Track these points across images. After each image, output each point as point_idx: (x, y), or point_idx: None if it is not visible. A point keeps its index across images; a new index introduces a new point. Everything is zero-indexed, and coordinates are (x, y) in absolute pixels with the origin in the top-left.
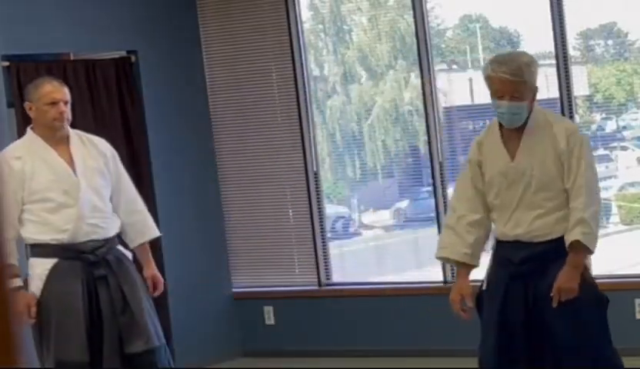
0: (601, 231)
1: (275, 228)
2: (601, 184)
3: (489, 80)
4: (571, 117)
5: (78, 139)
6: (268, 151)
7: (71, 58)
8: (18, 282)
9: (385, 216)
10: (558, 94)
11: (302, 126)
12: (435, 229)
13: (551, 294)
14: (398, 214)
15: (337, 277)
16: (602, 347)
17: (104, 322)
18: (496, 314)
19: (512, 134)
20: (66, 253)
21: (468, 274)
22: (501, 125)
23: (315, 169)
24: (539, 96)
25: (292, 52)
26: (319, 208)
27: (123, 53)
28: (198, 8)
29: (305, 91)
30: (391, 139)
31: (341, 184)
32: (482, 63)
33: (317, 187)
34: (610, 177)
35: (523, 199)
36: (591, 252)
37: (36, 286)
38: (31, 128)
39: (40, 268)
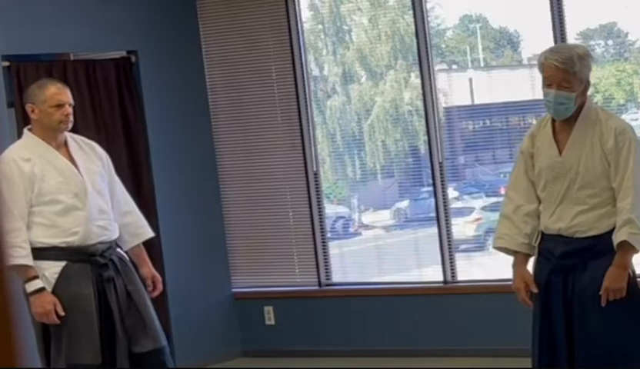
0: None
1: (275, 228)
2: None
3: (542, 67)
4: None
5: (75, 143)
6: (268, 151)
7: (71, 58)
8: (39, 284)
9: (385, 216)
10: None
11: (302, 126)
12: (435, 229)
13: (600, 293)
14: (398, 214)
15: (337, 277)
16: (634, 355)
17: (115, 323)
18: (538, 305)
19: (564, 128)
20: (75, 255)
21: (526, 262)
22: (554, 119)
23: (314, 169)
24: (540, 95)
25: (292, 52)
26: (319, 208)
27: (123, 53)
28: (198, 8)
29: (304, 91)
30: (391, 139)
31: (341, 184)
32: (482, 63)
33: (317, 187)
34: None
35: (567, 194)
36: (637, 251)
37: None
38: (29, 130)
39: (49, 271)
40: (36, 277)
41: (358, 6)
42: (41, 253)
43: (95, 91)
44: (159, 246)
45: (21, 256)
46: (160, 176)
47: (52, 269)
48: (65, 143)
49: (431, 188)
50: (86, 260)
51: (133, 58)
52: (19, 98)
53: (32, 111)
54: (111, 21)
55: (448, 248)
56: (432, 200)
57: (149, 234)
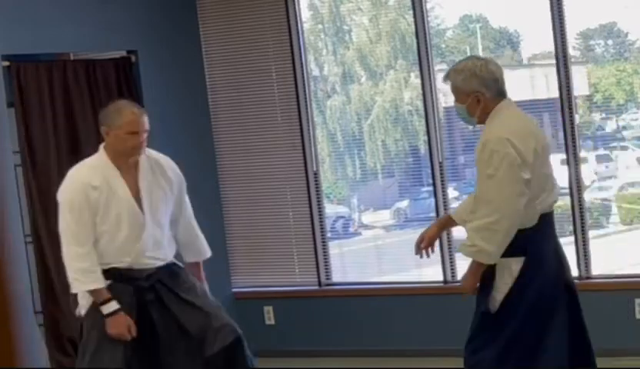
0: (600, 231)
1: (275, 228)
2: (601, 184)
3: None
4: (571, 117)
5: (148, 165)
6: (268, 151)
7: (71, 58)
8: (114, 306)
9: (385, 216)
10: (558, 94)
11: (302, 126)
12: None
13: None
14: (398, 214)
15: (337, 277)
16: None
17: (161, 342)
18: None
19: None
20: (120, 277)
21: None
22: None
23: (315, 169)
24: (540, 95)
25: (292, 52)
26: (319, 208)
27: (123, 53)
28: (198, 8)
29: (304, 91)
30: (391, 139)
31: (341, 184)
32: None
33: (317, 187)
34: (610, 178)
35: None
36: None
37: (87, 302)
38: (104, 148)
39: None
40: (111, 299)
41: (359, 6)
42: None
43: (95, 91)
44: None
45: (92, 281)
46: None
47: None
48: (137, 165)
49: (431, 188)
50: (128, 282)
51: (133, 58)
52: (19, 98)
53: (107, 134)
54: (111, 21)
55: (448, 248)
56: (432, 200)
57: (207, 255)
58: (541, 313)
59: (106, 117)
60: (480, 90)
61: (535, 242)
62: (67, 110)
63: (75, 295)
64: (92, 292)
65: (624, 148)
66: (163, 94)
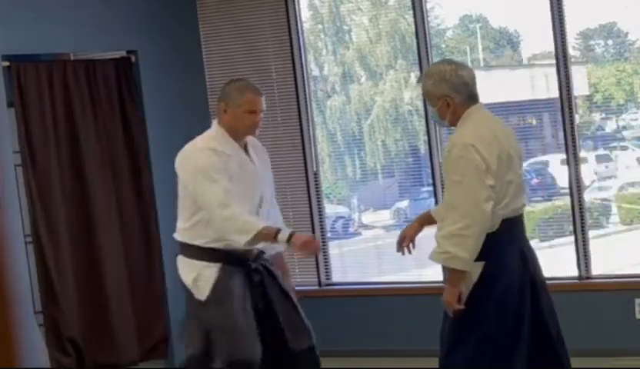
0: (600, 231)
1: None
2: (601, 184)
3: None
4: (571, 117)
5: (252, 147)
6: (268, 151)
7: (71, 58)
8: (287, 230)
9: (385, 216)
10: (558, 94)
11: (302, 126)
12: (434, 229)
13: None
14: (398, 214)
15: (337, 277)
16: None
17: (267, 324)
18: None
19: None
20: (229, 258)
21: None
22: None
23: (314, 169)
24: (540, 95)
25: (292, 52)
26: (319, 208)
27: (123, 53)
28: (198, 8)
29: (304, 91)
30: (391, 139)
31: (341, 184)
32: (482, 63)
33: (317, 187)
34: (610, 178)
35: None
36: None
37: (204, 287)
38: (219, 124)
39: (209, 270)
40: (279, 230)
41: (358, 6)
42: (197, 252)
43: (95, 91)
44: (159, 246)
45: (256, 221)
46: (160, 176)
47: (212, 268)
48: (245, 146)
49: (431, 188)
50: (239, 264)
51: (133, 58)
52: (19, 98)
53: (224, 111)
54: (112, 21)
55: None
56: (432, 200)
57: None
58: (506, 315)
59: (227, 94)
60: (449, 94)
61: (496, 247)
62: (67, 110)
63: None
64: (260, 234)
65: (624, 148)
66: (163, 94)
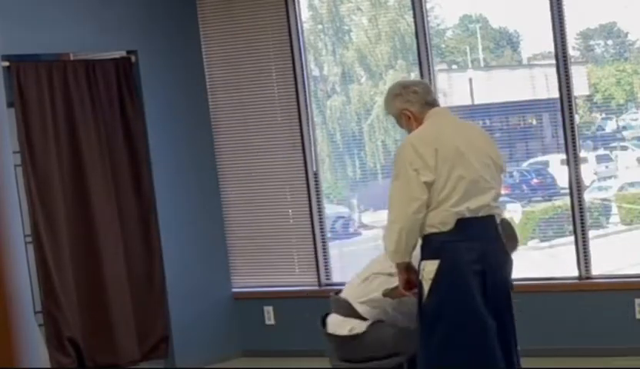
0: (600, 231)
1: (275, 228)
2: (601, 184)
3: None
4: (571, 117)
5: None
6: (268, 151)
7: (71, 58)
8: None
9: (385, 216)
10: (558, 94)
11: (302, 126)
12: None
13: None
14: None
15: (337, 277)
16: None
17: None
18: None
19: None
20: None
21: None
22: None
23: (314, 169)
24: (540, 95)
25: (292, 52)
26: (319, 208)
27: (123, 53)
28: (198, 8)
29: (305, 91)
30: (391, 139)
31: (341, 184)
32: (482, 63)
33: (317, 187)
34: (610, 178)
35: None
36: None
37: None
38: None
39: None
40: None
41: (358, 6)
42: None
43: (95, 91)
44: (159, 246)
45: None
46: (160, 176)
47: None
48: None
49: None
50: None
51: (133, 58)
52: (19, 98)
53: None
54: (112, 21)
55: None
56: None
57: None
58: (465, 315)
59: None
60: (404, 107)
61: (449, 244)
62: (67, 110)
63: None
64: None
65: (624, 148)
66: (163, 94)
